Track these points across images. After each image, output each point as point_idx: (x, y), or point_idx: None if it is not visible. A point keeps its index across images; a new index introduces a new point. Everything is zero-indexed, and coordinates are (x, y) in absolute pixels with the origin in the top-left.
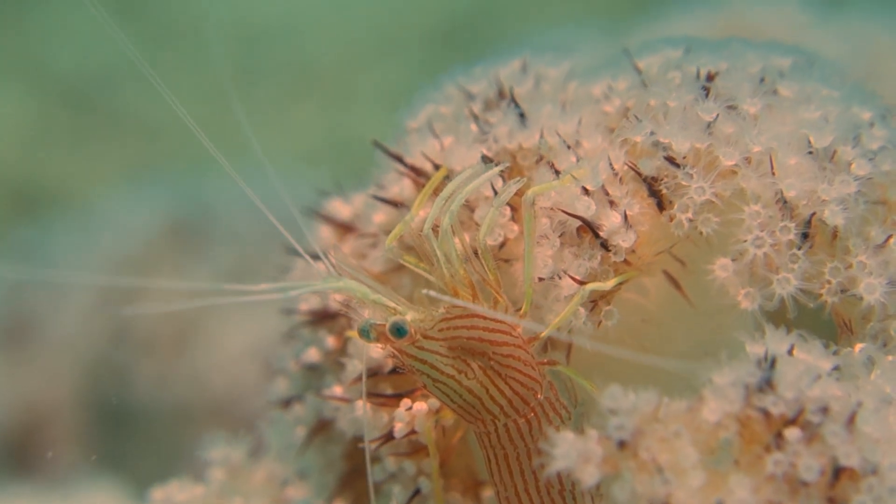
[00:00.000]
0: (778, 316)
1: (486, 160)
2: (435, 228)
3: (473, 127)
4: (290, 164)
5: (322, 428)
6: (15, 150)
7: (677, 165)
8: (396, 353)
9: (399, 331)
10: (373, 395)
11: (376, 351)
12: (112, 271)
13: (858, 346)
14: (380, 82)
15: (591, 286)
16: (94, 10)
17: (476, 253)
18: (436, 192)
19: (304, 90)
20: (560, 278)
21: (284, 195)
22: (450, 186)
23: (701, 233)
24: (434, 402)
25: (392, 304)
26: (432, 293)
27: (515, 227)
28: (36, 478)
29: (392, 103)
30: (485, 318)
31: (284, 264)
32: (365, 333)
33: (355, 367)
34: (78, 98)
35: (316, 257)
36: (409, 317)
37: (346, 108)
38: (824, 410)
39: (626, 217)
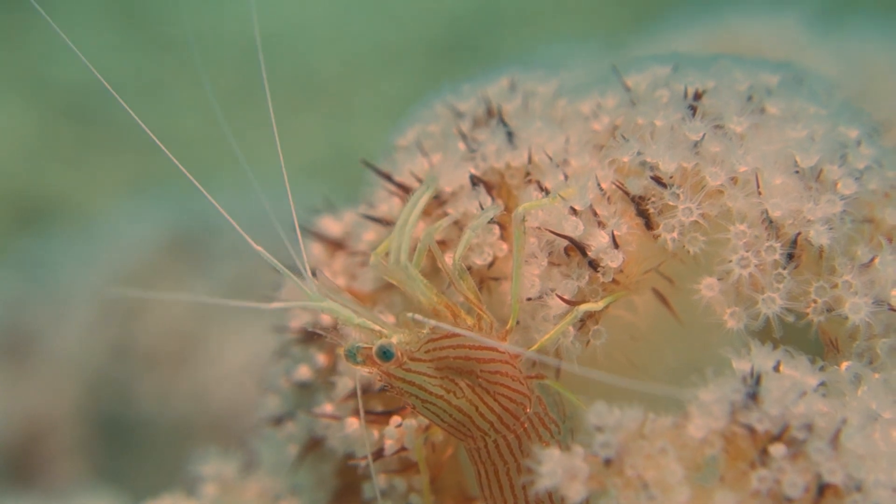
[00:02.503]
0: (766, 334)
1: (474, 180)
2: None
3: (461, 145)
4: (291, 177)
5: (314, 445)
6: (17, 162)
7: (664, 185)
8: (384, 375)
9: (385, 354)
10: (363, 413)
11: (366, 373)
12: (114, 284)
13: (845, 364)
14: (381, 96)
15: (584, 307)
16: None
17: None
18: (425, 211)
19: (306, 103)
20: (549, 297)
21: (272, 214)
22: (402, 215)
23: (688, 251)
24: (424, 419)
25: (377, 328)
26: (417, 317)
27: (504, 246)
28: (36, 490)
29: (393, 117)
30: (471, 332)
31: (276, 281)
32: (352, 356)
33: (346, 384)
34: (80, 111)
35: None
36: (395, 339)
37: (347, 121)
38: (809, 427)
39: (613, 237)
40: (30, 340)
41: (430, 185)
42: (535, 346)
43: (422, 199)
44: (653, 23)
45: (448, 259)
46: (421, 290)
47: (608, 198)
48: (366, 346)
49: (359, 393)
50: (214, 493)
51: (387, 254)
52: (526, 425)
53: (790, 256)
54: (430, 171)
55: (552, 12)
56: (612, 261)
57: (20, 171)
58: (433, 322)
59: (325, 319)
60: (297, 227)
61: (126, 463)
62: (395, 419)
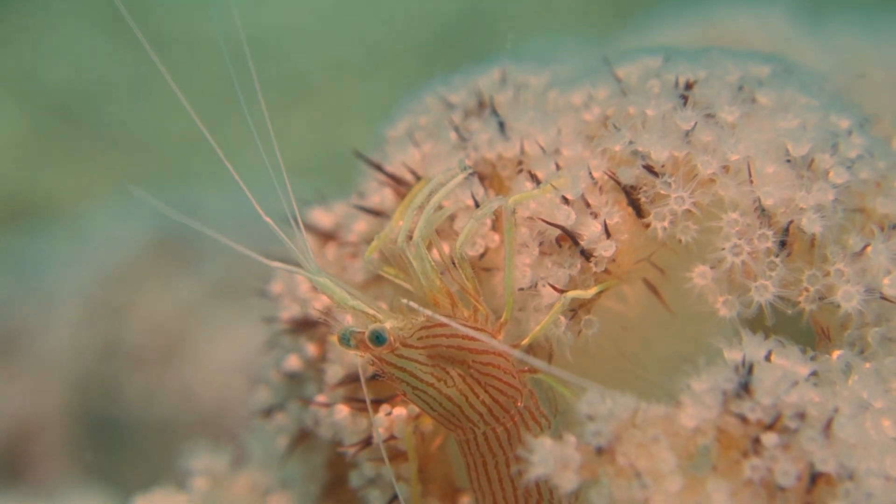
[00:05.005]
0: (757, 323)
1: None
2: (410, 239)
3: (453, 136)
4: (280, 175)
5: (304, 437)
6: (5, 163)
7: (656, 174)
8: (376, 360)
9: (378, 338)
10: (352, 400)
11: (357, 357)
12: (101, 284)
13: (836, 353)
14: (370, 96)
15: (572, 294)
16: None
17: (454, 263)
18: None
19: (295, 103)
20: (542, 287)
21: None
22: (420, 195)
23: (680, 241)
24: (413, 408)
25: (372, 312)
26: (412, 304)
27: (496, 237)
28: (25, 489)
29: (384, 115)
30: (464, 324)
31: (265, 274)
32: (345, 340)
33: (336, 372)
34: (69, 112)
35: (297, 265)
36: (388, 325)
37: (336, 121)
38: (801, 416)
39: (606, 226)
40: (18, 340)
41: (460, 170)
42: (527, 339)
43: (452, 181)
44: (639, 18)
45: (445, 249)
46: (426, 272)
47: (600, 187)
48: (359, 330)
49: (362, 376)
50: (205, 487)
51: (394, 241)
52: (516, 419)
53: (782, 244)
54: (461, 158)
55: (540, 11)
56: (605, 250)
57: (8, 170)
58: (427, 312)
59: (316, 308)
60: (297, 210)
61: (115, 461)
62: (385, 407)
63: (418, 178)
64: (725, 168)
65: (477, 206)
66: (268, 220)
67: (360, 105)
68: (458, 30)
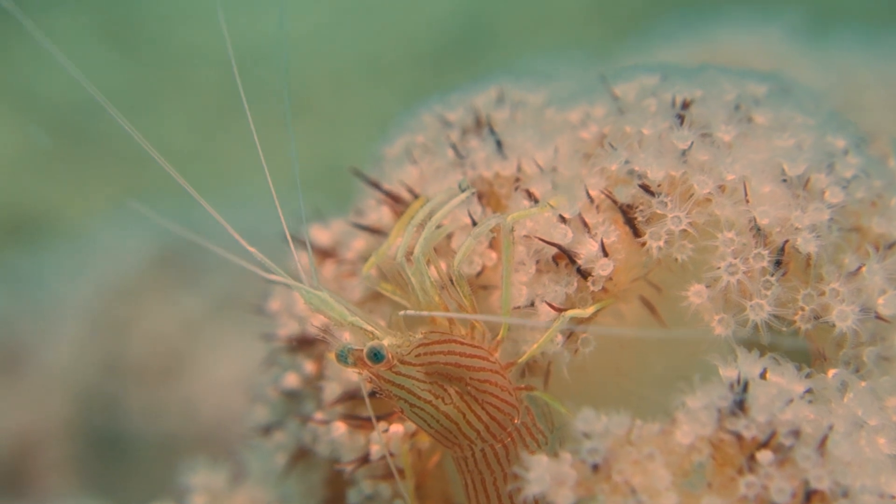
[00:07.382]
0: (753, 342)
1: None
2: (409, 256)
3: (451, 154)
4: (278, 191)
5: (302, 455)
6: (4, 176)
7: (652, 193)
8: (373, 377)
9: (376, 356)
10: (349, 418)
11: (355, 374)
12: (102, 299)
13: (832, 372)
14: (369, 110)
15: (570, 313)
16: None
17: (452, 280)
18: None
19: (294, 117)
20: (539, 304)
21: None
22: (420, 213)
23: (676, 259)
24: (410, 426)
25: (370, 329)
26: (409, 313)
27: (493, 255)
28: None
29: (381, 131)
30: (462, 343)
31: (265, 290)
32: (342, 358)
33: (333, 389)
34: (68, 125)
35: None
36: (386, 342)
37: (334, 135)
38: (796, 433)
39: (603, 245)
40: (19, 355)
41: (463, 189)
42: (524, 356)
43: (453, 200)
44: (638, 36)
45: (443, 267)
46: (425, 289)
47: (597, 206)
48: (357, 347)
49: (364, 390)
50: (203, 503)
51: (393, 257)
52: (513, 435)
53: (778, 263)
54: (463, 178)
55: (539, 26)
56: (603, 269)
57: (8, 184)
58: (426, 313)
59: (314, 325)
60: (303, 212)
61: (115, 476)
62: (382, 425)
63: (416, 196)
64: (721, 187)
65: (474, 224)
66: (284, 222)
67: (359, 118)
68: (458, 44)
